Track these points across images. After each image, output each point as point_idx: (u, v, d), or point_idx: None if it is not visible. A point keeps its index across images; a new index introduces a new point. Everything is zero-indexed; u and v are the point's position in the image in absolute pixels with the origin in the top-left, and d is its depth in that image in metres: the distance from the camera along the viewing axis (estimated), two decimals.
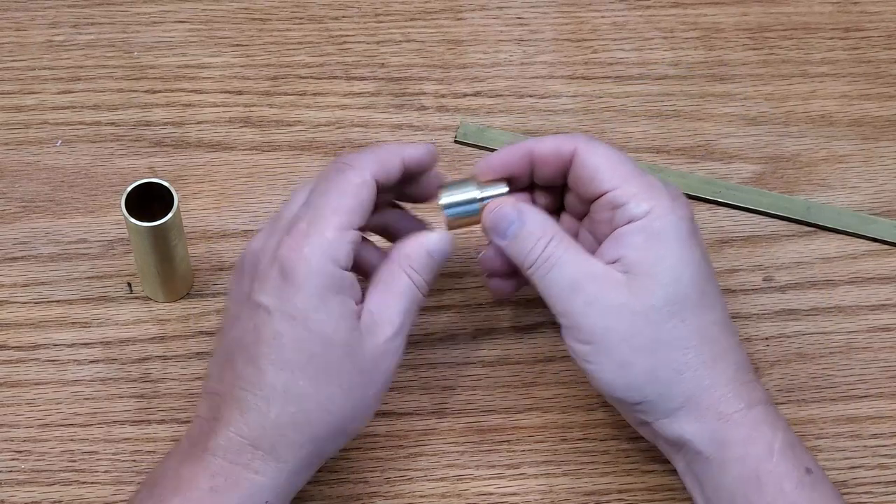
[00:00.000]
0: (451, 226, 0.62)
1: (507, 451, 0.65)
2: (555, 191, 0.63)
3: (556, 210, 0.64)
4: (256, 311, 0.57)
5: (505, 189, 0.61)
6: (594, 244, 0.60)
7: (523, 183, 0.62)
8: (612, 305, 0.57)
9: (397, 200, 0.63)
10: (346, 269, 0.57)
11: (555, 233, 0.59)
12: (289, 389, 0.56)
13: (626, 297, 0.57)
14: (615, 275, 0.57)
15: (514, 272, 0.62)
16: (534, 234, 0.59)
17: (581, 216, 0.62)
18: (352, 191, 0.58)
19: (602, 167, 0.59)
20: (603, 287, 0.57)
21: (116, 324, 0.68)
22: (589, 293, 0.57)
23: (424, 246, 0.59)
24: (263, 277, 0.57)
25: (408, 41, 0.79)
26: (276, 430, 0.56)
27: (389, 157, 0.59)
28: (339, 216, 0.57)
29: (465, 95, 0.77)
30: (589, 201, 0.60)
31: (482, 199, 0.61)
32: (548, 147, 0.60)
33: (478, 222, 0.61)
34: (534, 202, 0.63)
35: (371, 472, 0.64)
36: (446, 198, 0.61)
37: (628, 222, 0.58)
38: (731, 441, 0.57)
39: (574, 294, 0.57)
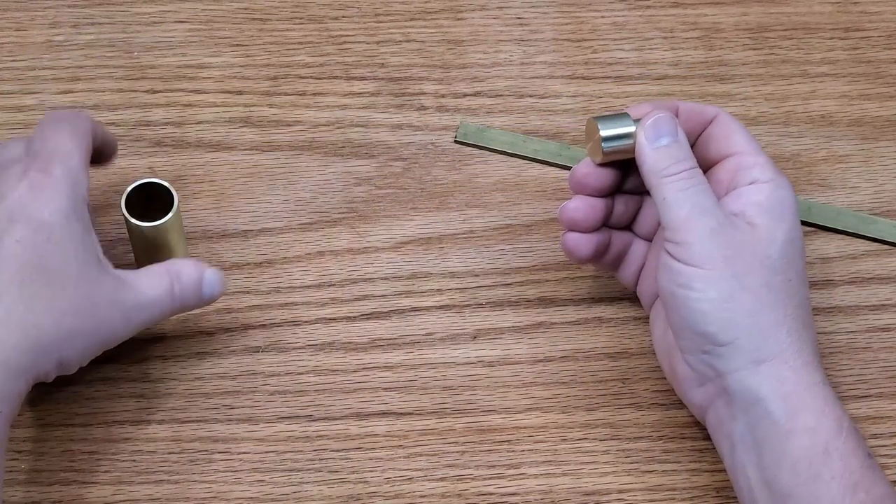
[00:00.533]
0: (606, 158, 0.62)
1: (507, 451, 0.65)
2: (634, 200, 0.65)
3: (631, 219, 0.66)
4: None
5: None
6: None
7: (611, 189, 0.64)
8: (736, 240, 0.58)
9: None
10: (86, 206, 0.60)
11: (695, 165, 0.61)
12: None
13: (749, 237, 0.59)
14: (740, 222, 0.59)
15: (595, 227, 0.64)
16: (685, 150, 0.61)
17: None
18: (82, 136, 0.62)
19: (741, 133, 0.62)
20: (732, 222, 0.59)
21: None
22: (718, 222, 0.59)
23: (200, 275, 0.63)
24: (8, 190, 0.59)
25: (408, 41, 0.79)
26: None
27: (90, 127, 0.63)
28: (80, 153, 0.61)
29: (465, 95, 0.77)
30: (713, 161, 0.63)
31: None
32: (692, 106, 0.63)
33: (631, 155, 0.62)
34: (616, 209, 0.65)
35: (371, 472, 0.64)
36: (605, 131, 0.62)
37: (751, 184, 0.60)
38: (805, 409, 0.57)
39: (703, 217, 0.59)
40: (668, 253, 0.59)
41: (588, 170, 0.63)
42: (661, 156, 0.60)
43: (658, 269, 0.60)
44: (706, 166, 0.63)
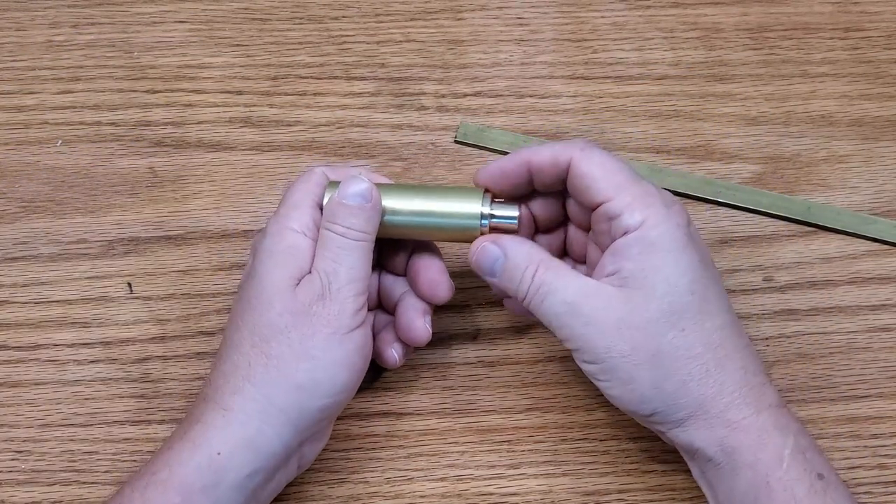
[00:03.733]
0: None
1: (507, 451, 0.65)
2: (558, 201, 0.63)
3: (561, 221, 0.64)
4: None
5: (516, 213, 0.61)
6: (600, 256, 0.60)
7: (524, 191, 0.62)
8: (610, 324, 0.57)
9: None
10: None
11: (541, 260, 0.59)
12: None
13: (623, 312, 0.57)
14: (609, 290, 0.57)
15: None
16: (519, 266, 0.59)
17: (586, 227, 0.63)
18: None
19: (596, 177, 0.59)
20: (598, 306, 0.57)
21: (116, 324, 0.68)
22: (585, 314, 0.57)
23: (335, 199, 0.60)
24: None
25: (408, 41, 0.79)
26: (221, 378, 0.58)
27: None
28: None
29: (465, 95, 0.77)
30: (589, 211, 0.60)
31: (491, 217, 0.61)
32: (545, 157, 0.60)
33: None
34: (535, 212, 0.63)
35: (371, 472, 0.64)
36: (494, 210, 0.61)
37: (624, 234, 0.58)
38: (740, 447, 0.57)
39: (572, 317, 0.58)
40: (573, 354, 0.59)
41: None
42: (504, 286, 0.60)
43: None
44: (589, 212, 0.60)
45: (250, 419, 0.57)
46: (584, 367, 0.59)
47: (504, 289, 0.60)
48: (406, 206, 0.61)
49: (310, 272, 0.59)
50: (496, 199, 0.62)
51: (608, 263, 0.58)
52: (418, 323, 0.62)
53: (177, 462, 0.56)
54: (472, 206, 0.61)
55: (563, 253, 0.65)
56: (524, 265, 0.59)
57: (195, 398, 0.60)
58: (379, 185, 0.61)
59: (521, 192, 0.62)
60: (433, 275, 0.62)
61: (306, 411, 0.58)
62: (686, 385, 0.57)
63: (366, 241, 0.59)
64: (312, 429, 0.59)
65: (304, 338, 0.57)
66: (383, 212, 0.61)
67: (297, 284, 0.58)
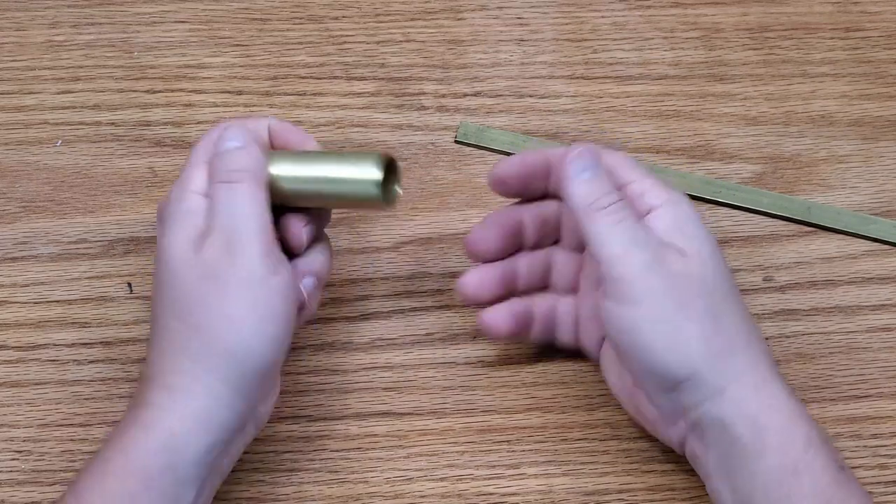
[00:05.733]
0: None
1: (507, 451, 0.65)
2: (555, 215, 0.64)
3: (552, 240, 0.65)
4: None
5: None
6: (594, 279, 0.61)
7: (538, 191, 0.63)
8: (672, 271, 0.57)
9: None
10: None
11: (623, 195, 0.59)
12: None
13: (682, 265, 0.57)
14: (670, 249, 0.58)
15: (497, 295, 0.63)
16: (610, 183, 0.59)
17: (580, 248, 0.63)
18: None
19: (619, 164, 0.60)
20: (666, 253, 0.57)
21: (116, 324, 0.68)
22: (652, 255, 0.57)
23: (215, 153, 0.60)
24: None
25: (408, 41, 0.79)
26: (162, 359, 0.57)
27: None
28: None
29: (465, 95, 0.77)
30: None
31: None
32: (563, 151, 0.60)
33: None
34: (527, 223, 0.64)
35: (371, 472, 0.64)
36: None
37: (649, 212, 0.59)
38: (771, 428, 0.56)
39: (636, 251, 0.57)
40: (609, 295, 0.58)
41: (475, 236, 0.63)
42: (585, 190, 0.59)
43: (604, 317, 0.59)
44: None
45: (196, 395, 0.56)
46: (624, 312, 0.57)
47: (585, 192, 0.58)
48: (299, 173, 0.60)
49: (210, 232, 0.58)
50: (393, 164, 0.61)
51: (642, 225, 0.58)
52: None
53: (132, 447, 0.56)
54: (370, 172, 0.60)
55: (545, 282, 0.65)
56: (610, 188, 0.59)
57: (138, 380, 0.59)
58: (277, 152, 0.61)
59: (534, 193, 0.63)
60: (285, 231, 0.61)
61: (248, 374, 0.57)
62: (732, 349, 0.57)
63: (252, 181, 0.58)
64: (259, 389, 0.58)
65: (220, 300, 0.57)
66: (277, 180, 0.60)
67: (202, 247, 0.57)
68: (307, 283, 0.61)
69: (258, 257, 0.57)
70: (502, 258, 0.64)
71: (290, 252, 0.61)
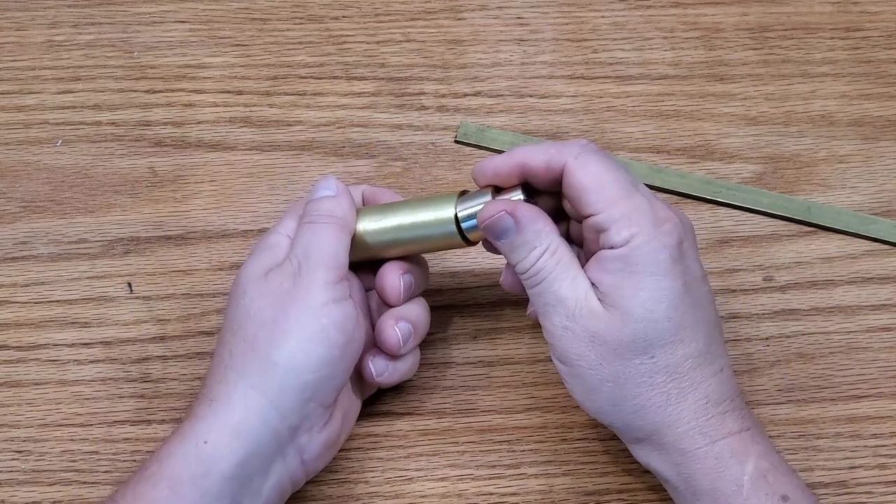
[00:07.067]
0: (475, 238, 0.61)
1: (507, 451, 0.65)
2: (558, 195, 0.62)
3: (561, 214, 0.63)
4: None
5: (520, 196, 0.60)
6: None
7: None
8: (586, 334, 0.57)
9: None
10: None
11: (550, 243, 0.58)
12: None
13: (600, 326, 0.56)
14: (594, 302, 0.57)
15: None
16: (528, 244, 0.58)
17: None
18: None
19: (588, 188, 0.57)
20: (581, 313, 0.57)
21: (116, 324, 0.68)
22: (568, 316, 0.57)
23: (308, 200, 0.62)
24: None
25: (408, 41, 0.79)
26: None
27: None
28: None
29: (465, 95, 0.77)
30: (580, 218, 0.59)
31: None
32: (539, 161, 0.59)
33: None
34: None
35: (371, 472, 0.64)
36: (462, 211, 0.61)
37: (610, 248, 0.57)
38: (696, 475, 0.57)
39: (555, 313, 0.57)
40: (549, 347, 0.59)
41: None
42: (507, 255, 0.59)
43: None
44: (580, 219, 0.59)
45: (234, 406, 0.57)
46: (555, 363, 0.59)
47: (507, 257, 0.60)
48: (383, 224, 0.62)
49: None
50: (464, 192, 0.61)
51: (591, 271, 0.57)
52: (387, 327, 0.62)
53: (166, 455, 0.56)
54: (445, 212, 0.61)
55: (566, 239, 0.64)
56: (533, 244, 0.58)
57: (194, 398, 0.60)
58: (366, 208, 0.62)
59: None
60: (381, 279, 0.62)
61: (287, 390, 0.57)
62: (644, 410, 0.57)
63: (334, 223, 0.60)
64: (299, 412, 0.58)
65: (276, 316, 0.58)
66: (364, 235, 0.61)
67: (273, 272, 0.59)
68: (402, 327, 0.62)
69: (322, 283, 0.58)
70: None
71: (388, 302, 0.62)
